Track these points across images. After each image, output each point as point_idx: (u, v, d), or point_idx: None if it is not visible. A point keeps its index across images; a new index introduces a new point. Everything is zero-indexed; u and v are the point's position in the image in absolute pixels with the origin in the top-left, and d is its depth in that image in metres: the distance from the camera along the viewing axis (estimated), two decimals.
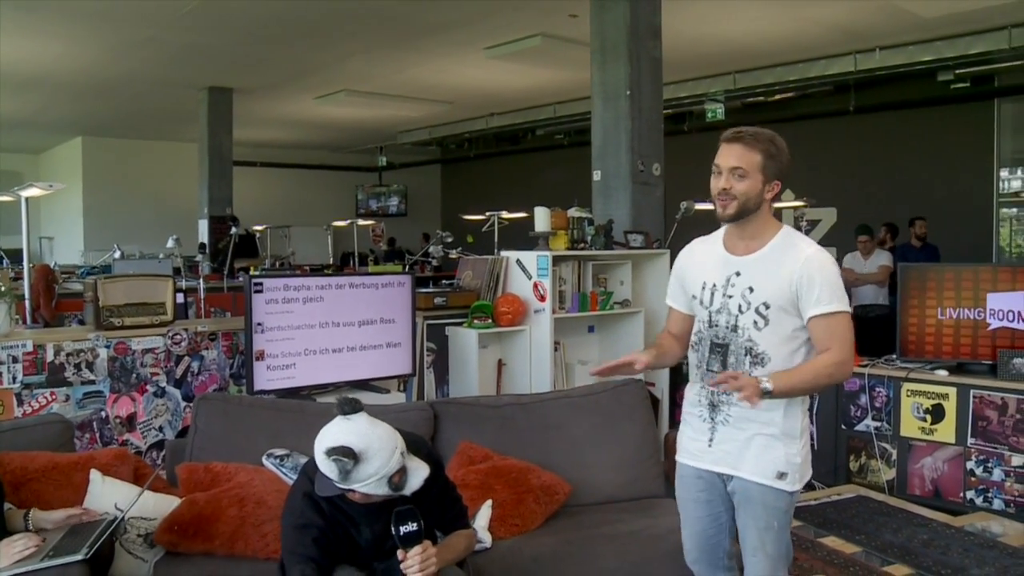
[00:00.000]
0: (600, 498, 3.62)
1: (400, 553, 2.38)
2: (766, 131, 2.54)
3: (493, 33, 8.98)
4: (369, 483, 2.33)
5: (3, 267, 9.33)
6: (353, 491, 2.37)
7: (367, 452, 2.32)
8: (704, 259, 2.70)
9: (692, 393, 2.73)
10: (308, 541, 2.47)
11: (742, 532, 2.66)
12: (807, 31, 8.89)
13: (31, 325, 4.66)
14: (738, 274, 2.57)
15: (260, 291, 4.32)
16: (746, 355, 2.55)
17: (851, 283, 9.00)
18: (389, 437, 2.38)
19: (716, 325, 2.61)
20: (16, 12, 7.92)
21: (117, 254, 9.97)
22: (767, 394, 2.40)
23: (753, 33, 8.97)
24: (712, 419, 2.64)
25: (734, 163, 2.50)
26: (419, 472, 2.43)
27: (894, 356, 5.33)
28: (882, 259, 9.19)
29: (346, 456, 2.29)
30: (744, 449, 2.57)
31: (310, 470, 2.53)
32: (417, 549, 2.38)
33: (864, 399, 5.27)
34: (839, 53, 9.78)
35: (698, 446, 2.68)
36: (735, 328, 2.56)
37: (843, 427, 5.40)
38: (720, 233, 2.70)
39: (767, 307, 2.51)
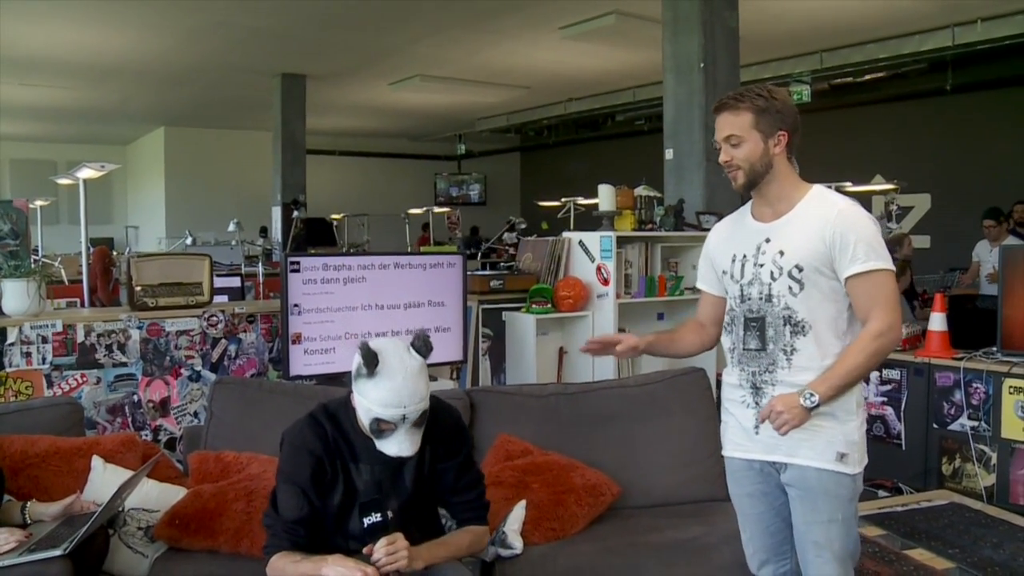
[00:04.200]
0: (652, 500, 3.26)
1: (367, 548, 2.24)
2: (755, 87, 2.38)
3: (566, 12, 8.66)
4: (362, 403, 2.30)
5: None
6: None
7: (384, 376, 2.26)
8: (732, 232, 2.52)
9: (731, 378, 2.47)
10: (303, 465, 2.37)
11: (802, 530, 2.38)
12: (900, 2, 8.28)
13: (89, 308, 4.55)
14: (768, 240, 2.38)
15: (297, 270, 4.07)
16: (785, 325, 2.33)
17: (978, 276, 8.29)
18: (415, 394, 2.28)
19: (748, 299, 2.40)
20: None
21: (189, 240, 9.99)
22: (815, 408, 2.22)
23: (841, 6, 8.40)
24: (756, 403, 2.38)
25: (726, 132, 2.35)
26: (406, 446, 2.30)
27: (994, 348, 4.82)
28: None
29: (367, 358, 2.26)
30: (795, 432, 2.29)
31: (329, 403, 2.49)
32: (383, 541, 2.23)
33: (959, 395, 4.78)
34: (936, 27, 9.10)
35: (745, 435, 2.43)
36: (769, 298, 2.35)
37: (935, 426, 4.91)
38: (748, 205, 2.51)
39: (800, 270, 2.30)
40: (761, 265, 2.36)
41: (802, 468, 2.32)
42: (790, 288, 2.31)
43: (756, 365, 2.37)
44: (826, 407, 2.26)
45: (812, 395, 2.21)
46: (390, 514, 2.25)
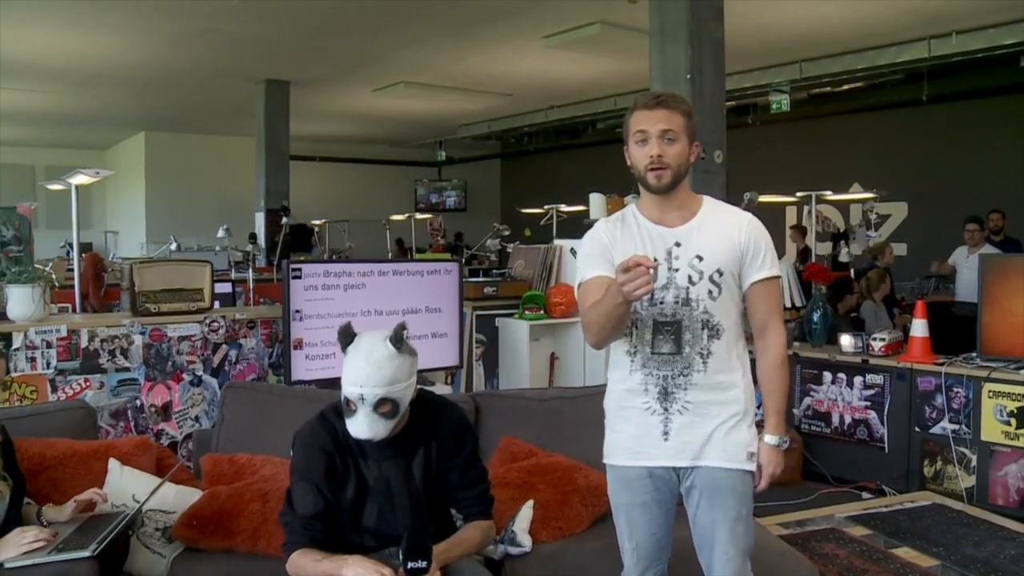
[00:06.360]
0: None
1: None
2: (674, 93, 2.49)
3: (551, 21, 8.74)
4: (342, 380, 2.40)
5: (68, 257, 9.45)
6: None
7: (351, 354, 2.39)
8: (631, 235, 2.42)
9: (631, 383, 2.42)
10: (316, 461, 2.47)
11: (709, 529, 2.40)
12: (878, 15, 8.44)
13: (81, 313, 4.58)
14: (678, 244, 2.38)
15: (298, 277, 4.14)
16: (703, 328, 2.36)
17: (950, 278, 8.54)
18: (374, 377, 2.35)
19: (661, 303, 2.36)
20: (76, 2, 7.94)
21: (173, 246, 9.98)
22: (784, 444, 2.45)
23: (821, 18, 8.56)
24: (665, 408, 2.38)
25: (664, 126, 2.31)
26: (364, 428, 2.37)
27: (974, 354, 4.97)
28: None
29: (343, 335, 2.43)
30: (709, 434, 2.37)
31: (337, 403, 2.52)
32: None
33: (940, 399, 4.92)
34: (912, 39, 9.27)
35: (649, 442, 2.40)
36: (687, 302, 2.36)
37: (917, 429, 5.05)
38: (631, 210, 2.47)
39: (720, 274, 2.36)
40: (676, 270, 2.36)
41: (711, 469, 2.37)
42: (710, 292, 2.35)
43: (669, 369, 2.36)
44: (737, 406, 2.39)
45: (784, 439, 2.43)
46: (433, 563, 2.28)
